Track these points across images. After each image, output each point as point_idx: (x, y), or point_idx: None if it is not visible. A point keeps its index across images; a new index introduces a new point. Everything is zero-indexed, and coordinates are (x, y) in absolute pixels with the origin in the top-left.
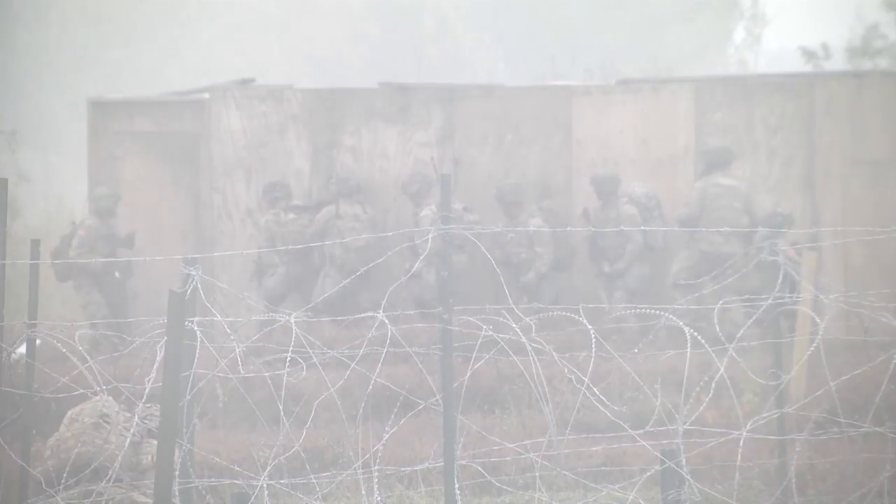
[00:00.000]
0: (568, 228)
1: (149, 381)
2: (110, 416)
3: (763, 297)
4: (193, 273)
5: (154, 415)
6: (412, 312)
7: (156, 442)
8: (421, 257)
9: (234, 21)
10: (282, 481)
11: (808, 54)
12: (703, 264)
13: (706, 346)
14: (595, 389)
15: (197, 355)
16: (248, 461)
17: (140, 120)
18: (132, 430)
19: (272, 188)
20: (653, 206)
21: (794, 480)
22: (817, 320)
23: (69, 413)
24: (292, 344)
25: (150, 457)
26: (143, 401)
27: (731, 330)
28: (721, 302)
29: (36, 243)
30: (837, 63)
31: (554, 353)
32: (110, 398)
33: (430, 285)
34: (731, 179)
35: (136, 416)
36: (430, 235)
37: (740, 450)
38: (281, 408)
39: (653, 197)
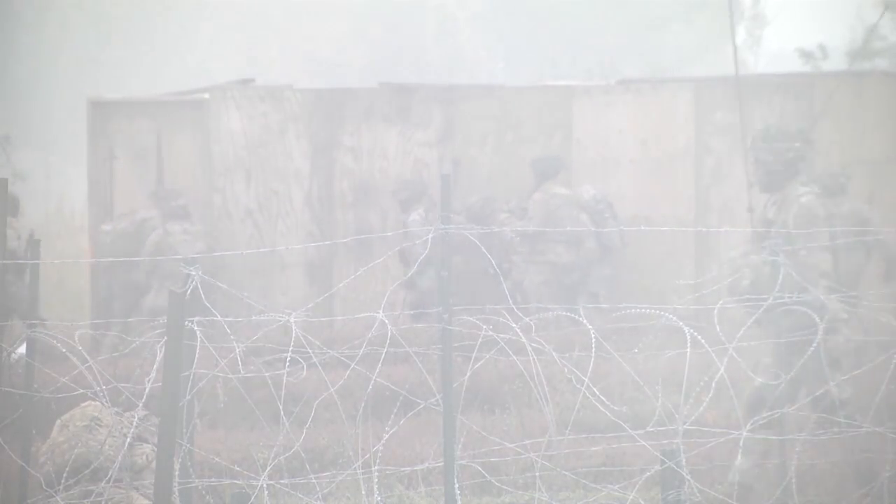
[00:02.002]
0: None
1: (149, 381)
2: (102, 419)
3: (763, 296)
4: (193, 273)
5: (143, 419)
6: (411, 313)
7: (146, 445)
8: (422, 259)
9: (234, 21)
10: (282, 481)
11: (806, 55)
12: (553, 276)
13: (706, 346)
14: (595, 389)
15: (197, 355)
16: (248, 461)
17: (140, 120)
18: (132, 431)
19: None
20: (602, 208)
21: (794, 480)
22: (817, 320)
23: (59, 420)
24: (292, 344)
25: (144, 457)
26: (143, 402)
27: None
28: (721, 302)
29: (36, 243)
30: (835, 64)
31: (554, 353)
32: (98, 403)
33: (424, 291)
34: (565, 188)
35: (136, 417)
36: (430, 235)
37: (740, 450)
38: (281, 408)
39: (601, 200)
